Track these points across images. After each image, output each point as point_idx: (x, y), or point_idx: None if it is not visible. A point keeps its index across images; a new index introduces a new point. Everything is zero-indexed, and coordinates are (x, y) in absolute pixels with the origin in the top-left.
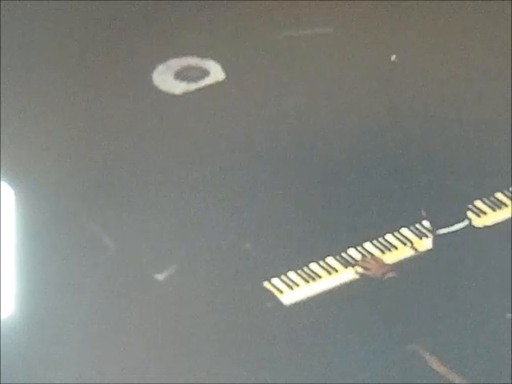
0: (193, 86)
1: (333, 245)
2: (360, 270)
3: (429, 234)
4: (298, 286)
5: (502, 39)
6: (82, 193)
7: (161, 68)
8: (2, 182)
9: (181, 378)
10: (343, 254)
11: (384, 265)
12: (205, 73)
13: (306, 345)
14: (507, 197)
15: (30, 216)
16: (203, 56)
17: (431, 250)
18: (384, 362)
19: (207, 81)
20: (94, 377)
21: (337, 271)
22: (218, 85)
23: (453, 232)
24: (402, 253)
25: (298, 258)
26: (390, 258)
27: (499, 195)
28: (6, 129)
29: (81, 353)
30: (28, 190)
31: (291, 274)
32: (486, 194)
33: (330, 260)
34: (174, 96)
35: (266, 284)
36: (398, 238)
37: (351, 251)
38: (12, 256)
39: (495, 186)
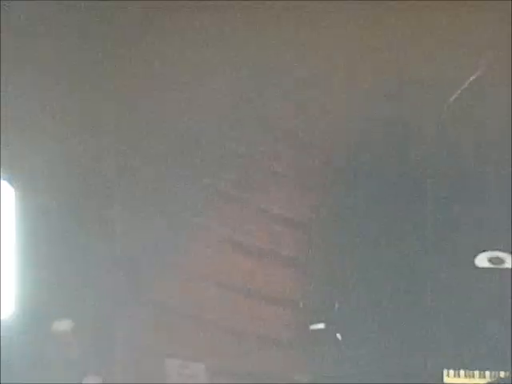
0: None
1: None
2: None
3: None
4: None
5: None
6: (84, 192)
7: None
8: (2, 182)
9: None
10: None
11: None
12: None
13: None
14: None
15: (30, 215)
16: None
17: None
18: None
19: None
20: (96, 378)
21: None
22: None
23: None
24: None
25: None
26: None
27: None
28: (6, 129)
29: (82, 353)
30: (28, 190)
31: None
32: None
33: None
34: None
35: None
36: None
37: None
38: (12, 256)
39: None
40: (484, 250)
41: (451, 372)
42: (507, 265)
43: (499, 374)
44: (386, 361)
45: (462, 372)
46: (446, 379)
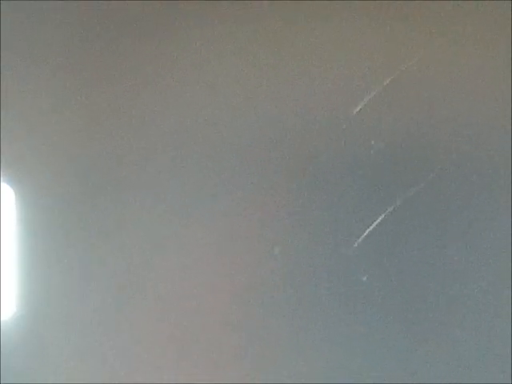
0: None
1: None
2: None
3: None
4: None
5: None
6: (85, 194)
7: None
8: (2, 182)
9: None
10: None
11: None
12: None
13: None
14: None
15: (31, 216)
16: None
17: None
18: None
19: None
20: (96, 378)
21: None
22: None
23: None
24: None
25: None
26: None
27: None
28: (6, 129)
29: (83, 354)
30: (28, 190)
31: None
32: None
33: None
34: None
35: None
36: None
37: None
38: (13, 257)
39: None
40: None
41: None
42: None
43: None
44: None
45: None
46: None
